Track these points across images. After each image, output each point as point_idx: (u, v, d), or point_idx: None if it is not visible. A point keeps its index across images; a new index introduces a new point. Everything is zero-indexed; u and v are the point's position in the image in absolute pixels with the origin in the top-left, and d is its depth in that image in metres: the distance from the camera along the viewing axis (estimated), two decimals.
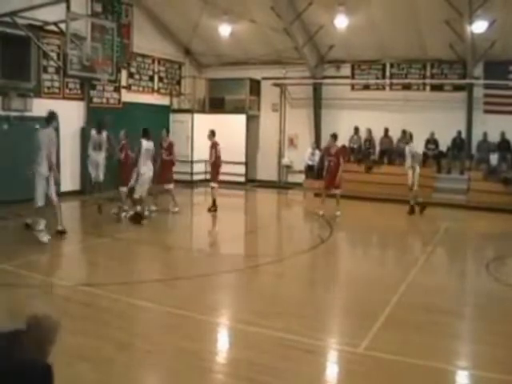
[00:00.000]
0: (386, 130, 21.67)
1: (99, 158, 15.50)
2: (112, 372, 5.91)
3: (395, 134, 21.48)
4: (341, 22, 19.47)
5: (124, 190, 14.86)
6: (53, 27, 16.43)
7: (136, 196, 14.43)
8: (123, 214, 14.75)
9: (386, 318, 7.57)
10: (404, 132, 19.40)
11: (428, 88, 21.63)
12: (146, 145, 14.59)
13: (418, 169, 16.69)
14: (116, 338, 6.75)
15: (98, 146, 15.47)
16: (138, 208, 14.41)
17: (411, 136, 17.01)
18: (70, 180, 18.69)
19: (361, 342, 6.61)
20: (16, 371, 2.65)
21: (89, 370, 5.94)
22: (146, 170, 14.52)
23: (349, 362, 6.37)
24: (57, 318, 3.05)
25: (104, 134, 15.46)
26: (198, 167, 23.36)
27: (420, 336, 6.91)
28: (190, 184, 22.61)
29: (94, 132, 15.62)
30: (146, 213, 14.70)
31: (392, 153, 21.55)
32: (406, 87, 21.86)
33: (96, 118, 19.39)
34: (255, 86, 24.49)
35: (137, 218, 14.20)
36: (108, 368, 5.99)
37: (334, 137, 16.50)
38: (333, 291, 9.46)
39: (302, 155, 22.77)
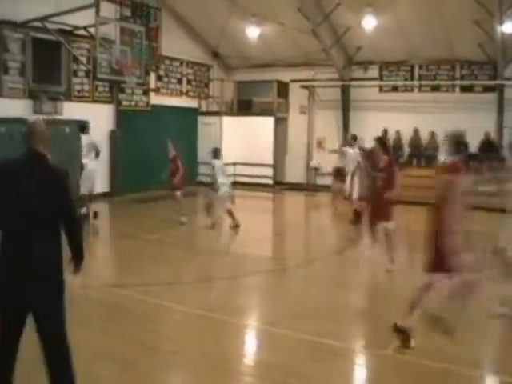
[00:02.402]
0: (416, 131, 21.49)
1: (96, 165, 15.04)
2: (137, 372, 5.95)
3: (424, 136, 21.36)
4: (368, 23, 19.39)
5: (179, 194, 14.83)
6: (82, 31, 16.63)
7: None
8: (182, 219, 14.61)
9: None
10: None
11: (457, 89, 21.42)
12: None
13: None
14: (142, 339, 6.80)
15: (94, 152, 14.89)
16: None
17: (355, 138, 16.34)
18: (99, 182, 18.85)
19: (390, 345, 6.57)
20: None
21: (114, 369, 5.99)
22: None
23: (378, 365, 6.34)
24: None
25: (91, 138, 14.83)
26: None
27: (449, 341, 6.82)
28: None
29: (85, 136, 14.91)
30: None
31: (421, 155, 21.42)
32: (435, 89, 21.66)
33: (125, 120, 19.65)
34: (283, 88, 24.46)
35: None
36: (133, 368, 6.03)
37: (382, 143, 10.97)
38: (361, 294, 9.37)
39: (331, 157, 22.65)
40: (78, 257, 4.89)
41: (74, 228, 4.80)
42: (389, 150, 11.22)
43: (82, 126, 14.54)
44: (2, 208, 4.52)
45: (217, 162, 14.20)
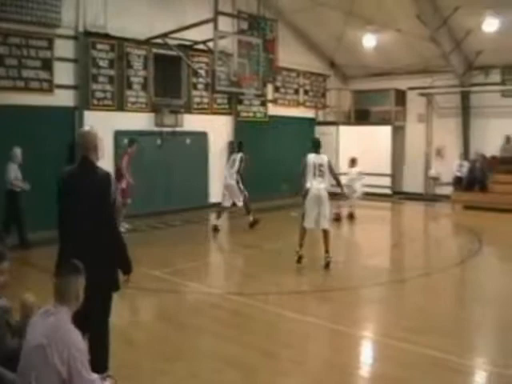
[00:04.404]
0: None
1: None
2: (259, 380, 6.01)
3: None
4: (489, 25, 18.69)
5: None
6: (201, 46, 17.10)
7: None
8: None
9: None
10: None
11: None
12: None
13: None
14: (263, 347, 6.86)
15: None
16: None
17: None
18: (217, 193, 19.30)
19: None
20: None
21: (236, 376, 6.07)
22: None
23: None
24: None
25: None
26: (344, 179, 23.36)
27: None
28: (335, 196, 22.60)
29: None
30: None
31: None
32: None
33: (243, 131, 19.97)
34: (400, 97, 24.03)
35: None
36: (254, 376, 6.10)
37: None
38: (484, 308, 8.85)
39: (450, 166, 22.03)
40: (120, 261, 5.34)
41: (109, 228, 5.25)
42: None
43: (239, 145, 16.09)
44: (63, 206, 5.27)
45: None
